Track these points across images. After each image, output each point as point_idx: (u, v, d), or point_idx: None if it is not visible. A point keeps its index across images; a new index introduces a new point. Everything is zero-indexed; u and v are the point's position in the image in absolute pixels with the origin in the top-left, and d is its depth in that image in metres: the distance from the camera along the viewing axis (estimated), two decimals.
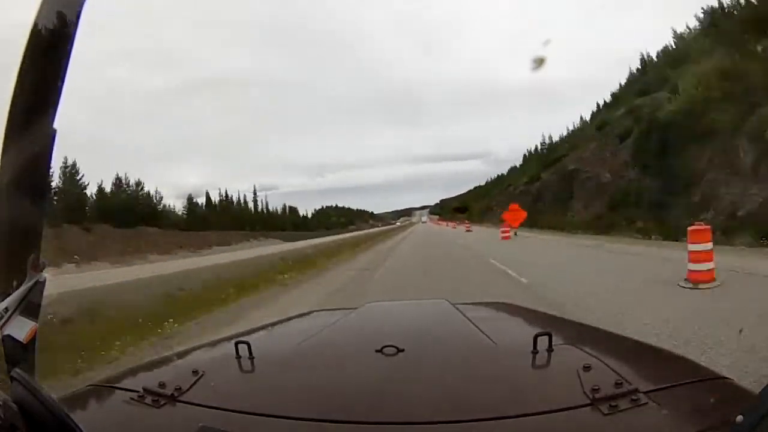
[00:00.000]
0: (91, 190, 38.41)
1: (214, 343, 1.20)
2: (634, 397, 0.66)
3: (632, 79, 33.61)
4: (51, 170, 0.71)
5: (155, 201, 44.41)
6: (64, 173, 36.25)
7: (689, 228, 6.34)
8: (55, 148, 0.66)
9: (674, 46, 26.51)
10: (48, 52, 0.65)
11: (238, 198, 59.05)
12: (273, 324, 1.42)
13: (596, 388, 0.67)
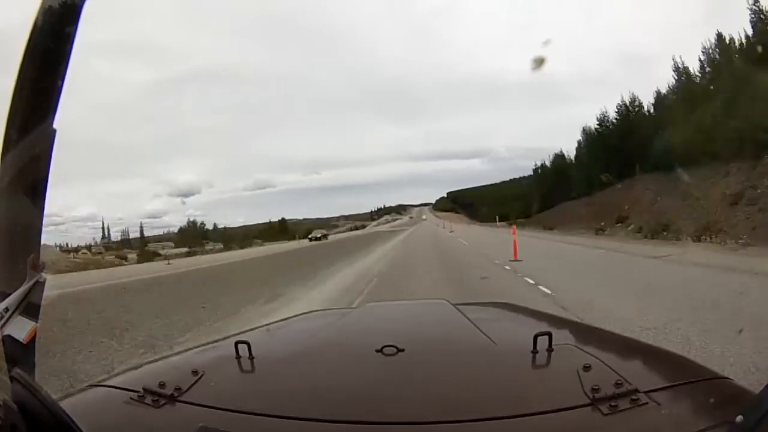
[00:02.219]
0: None
1: (214, 343, 1.20)
2: (634, 397, 0.65)
3: None
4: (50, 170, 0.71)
5: None
6: None
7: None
8: (55, 148, 0.66)
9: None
10: (48, 52, 0.65)
11: None
12: (273, 324, 1.42)
13: (596, 388, 0.67)
